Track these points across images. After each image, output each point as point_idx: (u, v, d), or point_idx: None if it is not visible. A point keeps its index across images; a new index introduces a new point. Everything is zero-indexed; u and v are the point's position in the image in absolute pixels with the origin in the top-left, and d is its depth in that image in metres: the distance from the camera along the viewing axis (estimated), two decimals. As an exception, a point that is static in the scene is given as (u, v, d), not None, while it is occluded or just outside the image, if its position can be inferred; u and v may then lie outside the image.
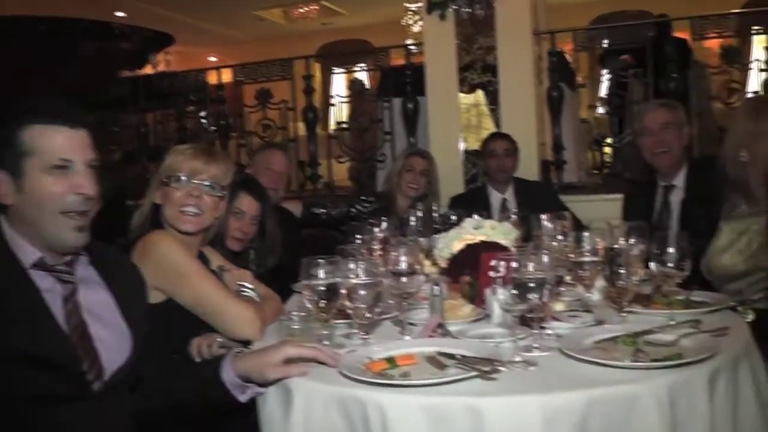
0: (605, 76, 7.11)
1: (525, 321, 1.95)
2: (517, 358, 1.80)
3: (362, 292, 1.99)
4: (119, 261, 2.16)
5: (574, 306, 2.34)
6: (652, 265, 2.19)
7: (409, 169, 4.68)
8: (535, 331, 1.93)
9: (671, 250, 2.16)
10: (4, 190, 1.83)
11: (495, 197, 4.90)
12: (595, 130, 6.63)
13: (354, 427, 1.68)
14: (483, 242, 2.53)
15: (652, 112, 4.02)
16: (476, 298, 2.33)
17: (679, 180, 3.87)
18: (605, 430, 1.60)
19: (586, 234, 2.33)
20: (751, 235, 3.04)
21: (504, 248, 2.46)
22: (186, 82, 7.71)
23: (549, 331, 2.01)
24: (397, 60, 6.96)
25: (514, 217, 3.11)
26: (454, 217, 3.16)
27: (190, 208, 2.56)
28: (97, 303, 1.94)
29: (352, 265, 2.03)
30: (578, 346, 1.86)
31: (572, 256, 2.33)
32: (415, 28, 7.55)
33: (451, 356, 1.82)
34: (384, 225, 3.00)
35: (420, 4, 6.02)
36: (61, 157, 1.83)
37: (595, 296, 2.35)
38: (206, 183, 2.59)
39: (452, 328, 2.13)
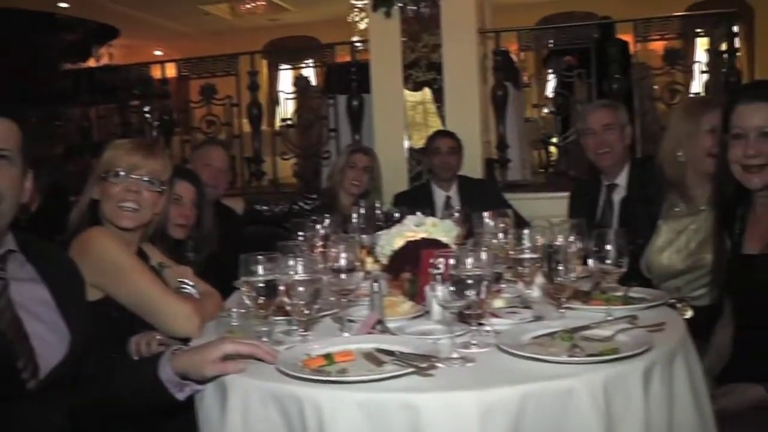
0: (551, 76, 7.17)
1: (463, 318, 1.96)
2: (455, 355, 1.79)
3: (301, 289, 1.97)
4: (57, 258, 2.11)
5: (514, 303, 2.36)
6: (590, 261, 2.21)
7: (352, 165, 4.67)
8: (474, 328, 1.93)
9: (609, 247, 2.18)
10: None
11: (439, 195, 4.92)
12: (541, 129, 6.68)
13: (291, 424, 1.66)
14: (424, 239, 2.53)
15: (594, 112, 4.08)
16: (416, 295, 2.33)
17: (622, 179, 3.93)
18: (541, 424, 1.61)
19: (526, 231, 2.34)
20: (689, 234, 3.10)
21: (445, 245, 2.46)
22: (130, 76, 7.60)
23: (487, 328, 2.01)
24: (344, 57, 6.94)
25: (456, 214, 3.11)
26: (397, 215, 3.16)
27: (129, 204, 2.52)
28: (34, 300, 1.89)
29: (291, 262, 2.01)
30: (516, 342, 1.87)
31: (512, 253, 2.35)
32: (362, 26, 7.54)
33: (390, 353, 1.81)
34: (326, 222, 2.98)
35: (366, 2, 6.02)
36: None
37: (535, 293, 2.36)
38: (145, 178, 2.55)
39: (391, 325, 2.12)
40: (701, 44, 7.12)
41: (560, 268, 2.08)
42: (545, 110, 6.65)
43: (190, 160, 4.29)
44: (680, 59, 6.16)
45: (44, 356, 1.83)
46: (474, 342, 1.90)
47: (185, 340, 2.25)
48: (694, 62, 6.51)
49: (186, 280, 2.57)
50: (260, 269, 2.05)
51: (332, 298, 2.23)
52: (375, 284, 2.18)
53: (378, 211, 3.43)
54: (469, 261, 1.87)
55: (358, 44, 6.81)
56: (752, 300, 2.47)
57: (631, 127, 4.16)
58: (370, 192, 4.66)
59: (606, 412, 1.63)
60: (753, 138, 2.38)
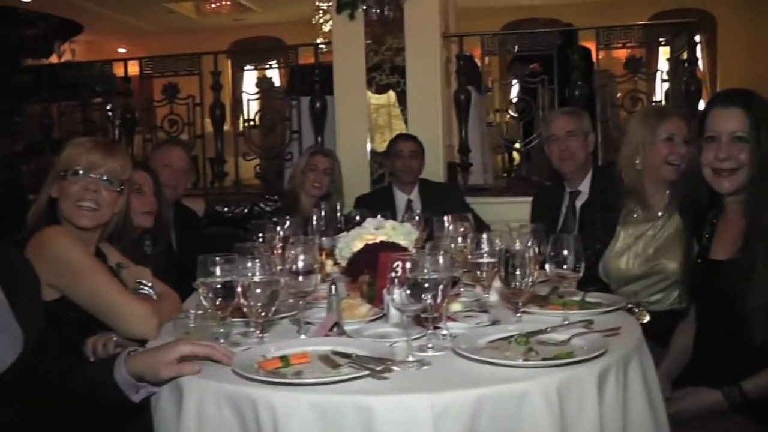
0: (514, 82, 7.22)
1: (420, 321, 1.96)
2: (411, 358, 1.80)
3: (258, 291, 1.96)
4: (11, 257, 2.09)
5: (472, 306, 2.36)
6: (548, 266, 2.22)
7: (312, 168, 4.66)
8: (430, 331, 1.93)
9: (566, 252, 2.20)
10: None
11: (400, 198, 4.93)
12: (504, 133, 6.72)
13: (246, 426, 1.66)
14: (383, 242, 2.53)
15: (557, 119, 4.13)
16: (374, 297, 2.33)
17: (584, 186, 3.98)
18: (495, 427, 1.61)
19: (484, 235, 2.35)
20: (647, 240, 3.14)
21: (404, 249, 2.47)
22: (92, 73, 7.50)
23: (444, 332, 2.02)
24: (308, 59, 6.93)
25: (417, 218, 3.12)
26: (358, 217, 3.16)
27: (87, 203, 2.50)
28: None
29: (248, 264, 2.01)
30: (471, 346, 1.87)
31: (470, 257, 2.36)
32: (326, 27, 7.52)
33: (346, 355, 1.81)
34: (287, 224, 2.98)
35: (330, 4, 6.01)
36: None
37: (493, 297, 2.38)
38: (104, 177, 2.54)
39: (349, 328, 2.12)
40: (663, 53, 7.21)
41: (517, 272, 2.09)
42: (508, 115, 6.68)
43: (149, 160, 4.25)
44: (642, 67, 6.22)
45: None
46: (430, 345, 1.90)
47: (142, 342, 2.23)
48: (656, 71, 6.59)
49: (144, 281, 2.54)
50: (218, 270, 2.04)
51: (290, 300, 2.22)
52: (333, 287, 2.18)
53: (339, 214, 3.43)
54: (426, 264, 1.87)
55: (322, 46, 6.79)
56: (717, 305, 2.50)
57: (594, 134, 4.21)
58: (331, 194, 4.66)
59: (560, 416, 1.65)
60: (725, 142, 2.41)
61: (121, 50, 14.24)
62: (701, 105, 5.96)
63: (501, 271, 2.12)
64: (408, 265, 1.86)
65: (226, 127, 6.97)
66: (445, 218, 2.77)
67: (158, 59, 7.10)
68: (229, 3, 12.22)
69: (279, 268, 2.13)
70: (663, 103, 6.20)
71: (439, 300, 1.85)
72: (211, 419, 1.70)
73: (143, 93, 7.54)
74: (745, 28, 11.84)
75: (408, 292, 1.84)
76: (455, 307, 2.29)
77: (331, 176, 4.69)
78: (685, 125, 3.17)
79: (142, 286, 2.52)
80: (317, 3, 8.02)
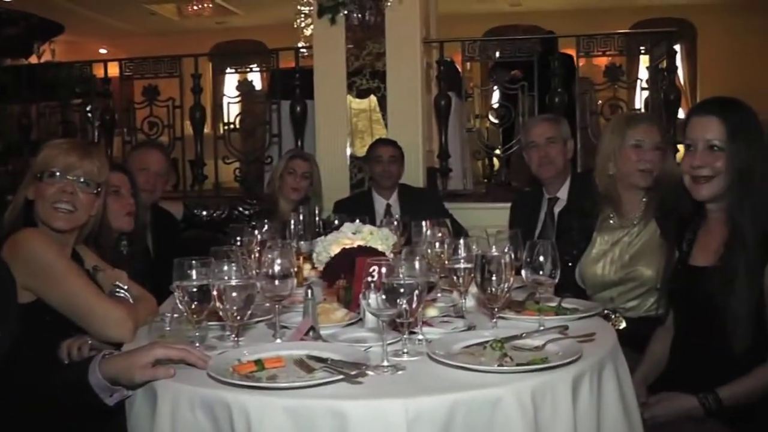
0: (495, 88, 7.24)
1: (396, 326, 1.97)
2: (385, 363, 1.80)
3: (233, 295, 1.97)
4: None
5: (448, 312, 2.37)
6: (524, 272, 2.23)
7: (291, 171, 4.64)
8: (405, 336, 1.94)
9: (542, 258, 2.20)
10: None
11: (379, 202, 4.92)
12: (485, 139, 6.74)
13: (220, 429, 1.66)
14: (360, 247, 2.53)
15: (537, 126, 4.15)
16: (351, 302, 2.33)
17: (563, 192, 4.00)
18: (469, 432, 1.62)
19: (461, 241, 2.36)
20: (623, 247, 3.16)
21: (381, 254, 2.47)
22: (72, 74, 7.44)
23: (419, 337, 2.03)
24: (289, 62, 6.92)
25: (395, 222, 3.12)
26: (336, 221, 3.15)
27: (63, 205, 2.48)
28: None
29: (224, 267, 2.00)
30: (446, 351, 1.88)
31: (447, 262, 2.36)
32: (308, 32, 7.50)
33: (321, 360, 1.81)
34: (265, 227, 2.97)
35: (312, 8, 6.01)
36: None
37: (469, 302, 2.39)
38: (81, 179, 2.51)
39: (324, 332, 2.12)
40: (644, 61, 7.26)
41: (493, 278, 2.10)
42: (488, 121, 6.70)
43: (126, 162, 4.21)
44: (621, 75, 6.25)
45: None
46: (405, 350, 1.91)
47: (118, 345, 2.22)
48: (636, 79, 6.63)
49: (120, 284, 2.53)
50: (194, 274, 2.05)
51: (266, 305, 2.22)
52: (309, 291, 2.18)
53: (317, 218, 3.43)
54: (402, 269, 1.88)
55: (303, 50, 6.78)
56: (697, 312, 2.52)
57: (573, 141, 4.23)
58: (310, 198, 4.64)
59: (534, 421, 1.66)
60: (701, 150, 2.43)
61: (102, 51, 14.19)
62: (680, 113, 6.02)
63: (477, 276, 2.13)
64: (384, 269, 1.86)
65: (207, 129, 6.94)
66: (423, 223, 2.77)
67: (138, 61, 7.06)
68: (210, 5, 12.18)
69: (255, 271, 2.13)
70: (642, 111, 6.23)
71: (414, 305, 1.85)
72: (185, 423, 1.70)
73: (123, 95, 7.49)
74: (726, 37, 11.93)
75: (383, 296, 1.84)
76: (431, 312, 2.29)
77: (310, 180, 4.67)
78: (656, 131, 3.19)
79: (118, 290, 2.51)
80: (299, 7, 7.98)
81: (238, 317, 2.00)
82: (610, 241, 3.20)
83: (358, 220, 2.83)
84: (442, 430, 1.59)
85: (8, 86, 7.51)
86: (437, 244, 2.59)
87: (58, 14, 10.68)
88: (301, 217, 3.25)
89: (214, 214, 4.85)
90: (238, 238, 2.87)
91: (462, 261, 2.31)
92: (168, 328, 2.23)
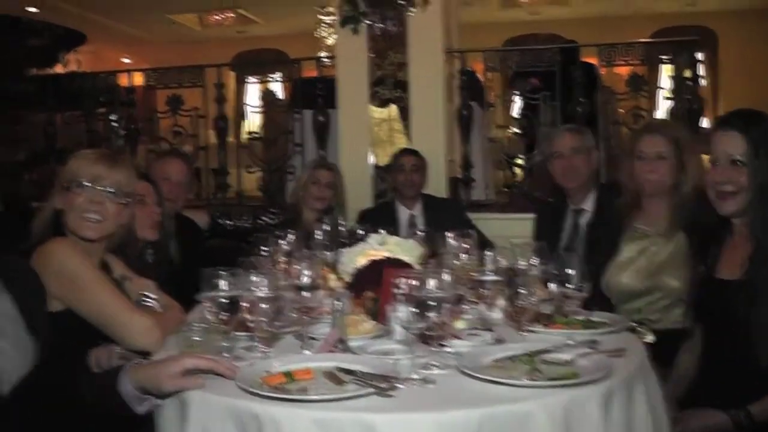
0: (516, 97, 7.22)
1: (425, 339, 1.96)
2: (415, 376, 1.79)
3: (264, 306, 1.97)
4: (20, 267, 2.09)
5: (476, 324, 2.36)
6: (552, 285, 2.22)
7: (315, 181, 4.64)
8: (434, 349, 1.93)
9: (571, 271, 2.19)
10: None
11: (403, 213, 4.91)
12: (505, 149, 6.73)
13: (249, 441, 1.65)
14: (387, 259, 2.52)
15: (561, 136, 4.13)
16: (378, 314, 2.33)
17: (588, 204, 3.97)
18: (499, 448, 1.61)
19: (489, 253, 2.35)
20: (649, 256, 3.13)
21: (407, 265, 2.46)
22: (96, 84, 7.51)
23: (448, 349, 2.02)
24: (310, 72, 6.94)
25: (420, 233, 3.11)
26: (361, 232, 3.15)
27: (92, 215, 2.49)
28: None
29: (254, 278, 2.01)
30: (476, 365, 1.87)
31: (474, 274, 2.36)
32: (329, 41, 7.54)
33: (350, 372, 1.81)
34: (290, 237, 2.97)
35: (334, 18, 6.03)
36: None
37: (496, 315, 2.37)
38: (109, 189, 2.52)
39: (353, 344, 2.12)
40: (666, 70, 7.22)
41: (522, 291, 2.09)
42: (510, 130, 6.69)
43: (149, 171, 4.23)
44: (644, 85, 6.22)
45: (7, 372, 1.80)
46: (435, 363, 1.90)
47: (145, 354, 2.22)
48: (658, 88, 6.61)
49: (148, 293, 2.54)
50: (223, 284, 2.05)
51: (294, 315, 2.22)
52: (337, 302, 2.17)
53: (342, 228, 3.42)
54: (432, 282, 1.87)
55: (325, 59, 6.80)
56: (722, 325, 2.50)
57: (597, 151, 4.22)
58: (333, 208, 4.65)
59: (565, 437, 1.65)
60: (723, 165, 2.42)
61: (125, 60, 14.28)
62: (704, 123, 5.98)
63: (506, 289, 2.12)
64: (413, 282, 1.86)
65: (229, 138, 6.97)
66: (449, 235, 2.76)
67: (162, 71, 7.11)
68: (232, 15, 12.23)
69: (283, 282, 2.14)
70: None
71: (444, 318, 1.85)
72: (215, 432, 1.70)
73: (146, 104, 7.55)
74: (747, 45, 11.84)
75: (413, 309, 1.83)
76: (459, 324, 2.28)
77: (334, 190, 4.67)
78: (659, 140, 3.17)
79: (145, 299, 2.52)
80: (320, 16, 8.03)
81: (268, 328, 2.00)
82: (637, 250, 3.18)
83: (382, 231, 2.82)
84: (472, 443, 1.59)
85: (33, 95, 7.59)
86: (463, 256, 2.59)
87: (80, 24, 10.79)
88: (325, 227, 3.24)
89: (238, 224, 4.86)
90: (264, 249, 2.87)
91: (489, 273, 2.30)
92: (196, 338, 2.23)
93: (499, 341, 2.17)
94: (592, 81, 6.38)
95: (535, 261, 2.25)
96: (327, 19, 7.83)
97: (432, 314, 1.83)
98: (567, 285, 2.21)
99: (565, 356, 1.97)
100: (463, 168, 5.97)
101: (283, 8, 11.36)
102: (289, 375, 1.81)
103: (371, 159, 5.90)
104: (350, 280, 2.63)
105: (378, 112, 5.88)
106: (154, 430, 1.90)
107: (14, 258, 2.12)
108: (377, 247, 2.62)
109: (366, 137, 5.87)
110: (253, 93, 9.66)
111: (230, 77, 10.70)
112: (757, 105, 2.59)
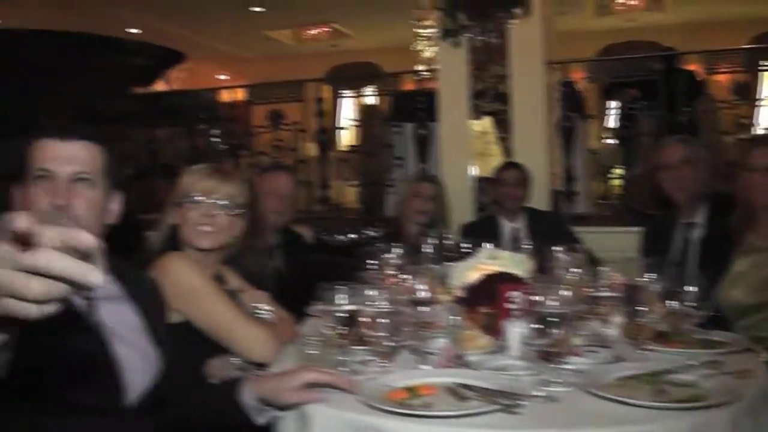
0: (613, 107, 7.11)
1: (544, 355, 1.94)
2: (539, 393, 1.78)
3: (384, 321, 1.98)
4: (141, 277, 2.16)
5: (591, 341, 2.33)
6: (671, 302, 2.17)
7: (417, 194, 4.63)
8: (554, 366, 1.91)
9: (690, 288, 2.14)
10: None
11: (506, 226, 4.86)
12: (606, 160, 6.64)
13: (371, 456, 1.66)
14: (500, 273, 2.51)
15: (670, 147, 4.00)
16: (493, 329, 2.32)
17: (700, 217, 3.82)
18: (626, 469, 1.58)
19: (602, 268, 2.32)
20: (761, 270, 3.05)
21: (519, 280, 2.45)
22: (197, 100, 7.72)
23: (568, 366, 1.99)
24: (407, 85, 6.98)
25: (525, 247, 3.09)
26: (466, 246, 3.14)
27: (206, 227, 2.54)
28: (123, 323, 1.92)
29: (372, 293, 2.02)
30: (599, 383, 1.84)
31: (588, 290, 2.32)
32: (426, 54, 7.56)
33: (471, 388, 1.81)
34: (398, 251, 2.97)
35: (432, 31, 6.05)
36: (41, 167, 1.85)
37: (612, 332, 2.33)
38: (221, 202, 2.57)
39: (469, 359, 2.11)
40: (766, 77, 7.02)
41: (641, 308, 2.06)
42: (609, 141, 6.60)
43: (255, 184, 4.29)
44: (750, 93, 6.07)
45: (133, 382, 1.86)
46: (558, 380, 1.88)
47: (261, 365, 2.26)
48: (760, 97, 6.43)
49: (262, 305, 2.59)
50: (340, 298, 2.07)
51: (407, 329, 2.23)
52: (453, 317, 2.17)
53: (446, 242, 3.42)
54: (552, 298, 1.86)
55: (424, 73, 6.83)
56: None
57: (705, 162, 4.10)
58: (436, 221, 4.64)
59: (691, 460, 1.61)
60: None
61: (221, 77, 14.59)
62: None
63: (624, 305, 2.09)
64: (531, 297, 1.85)
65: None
66: (557, 249, 2.73)
67: (261, 87, 7.25)
68: (327, 30, 12.39)
69: (400, 297, 2.14)
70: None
71: (565, 334, 1.83)
72: (336, 448, 1.71)
73: (245, 118, 7.71)
74: None
75: (534, 325, 1.82)
76: (576, 341, 2.25)
77: (437, 203, 4.66)
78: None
79: (259, 310, 2.56)
80: (416, 30, 8.05)
81: (386, 343, 2.01)
82: (749, 264, 3.10)
83: (488, 245, 2.80)
84: (599, 464, 1.56)
85: (137, 113, 7.83)
86: (572, 271, 2.56)
87: (178, 43, 11.11)
88: (432, 241, 3.24)
89: (340, 238, 4.90)
90: (371, 262, 2.88)
91: (604, 289, 2.26)
92: (312, 351, 2.26)
93: (617, 359, 2.13)
94: (694, 89, 6.23)
95: (653, 277, 2.21)
96: (425, 32, 7.85)
97: (553, 330, 1.81)
98: (686, 302, 2.16)
99: (688, 377, 1.92)
100: (566, 180, 5.90)
101: (375, 22, 11.46)
102: (412, 390, 1.82)
103: (472, 172, 5.89)
104: (461, 295, 2.62)
105: (475, 125, 5.87)
106: None
107: (138, 270, 2.18)
108: (488, 261, 2.61)
109: (466, 150, 5.88)
110: (347, 106, 9.77)
111: (328, 92, 10.85)
112: None
